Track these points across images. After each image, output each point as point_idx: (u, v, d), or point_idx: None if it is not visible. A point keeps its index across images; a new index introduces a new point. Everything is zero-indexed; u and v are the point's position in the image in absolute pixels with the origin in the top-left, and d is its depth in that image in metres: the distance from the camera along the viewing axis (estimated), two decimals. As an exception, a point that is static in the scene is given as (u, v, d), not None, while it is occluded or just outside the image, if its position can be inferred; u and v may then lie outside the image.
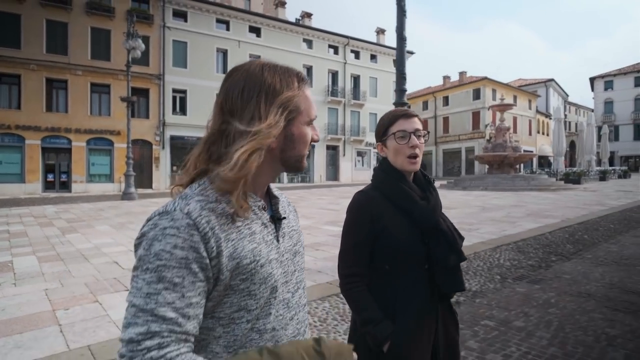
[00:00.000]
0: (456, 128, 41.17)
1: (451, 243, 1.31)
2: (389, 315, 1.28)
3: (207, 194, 0.77)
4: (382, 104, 35.62)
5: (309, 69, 31.21)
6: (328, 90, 32.32)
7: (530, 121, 45.28)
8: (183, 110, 25.78)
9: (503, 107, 23.40)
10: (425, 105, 45.89)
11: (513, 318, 3.50)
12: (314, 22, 33.42)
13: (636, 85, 54.80)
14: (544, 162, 47.03)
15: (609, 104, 57.25)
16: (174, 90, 25.40)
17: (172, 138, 25.19)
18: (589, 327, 3.31)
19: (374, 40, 36.27)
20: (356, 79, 34.45)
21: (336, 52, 33.16)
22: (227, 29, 27.44)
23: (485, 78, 38.95)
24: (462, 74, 42.42)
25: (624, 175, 32.43)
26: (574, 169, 29.19)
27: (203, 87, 25.87)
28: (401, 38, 5.53)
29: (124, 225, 9.48)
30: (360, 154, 34.81)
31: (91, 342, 3.13)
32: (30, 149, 21.54)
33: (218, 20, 27.10)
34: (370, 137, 35.11)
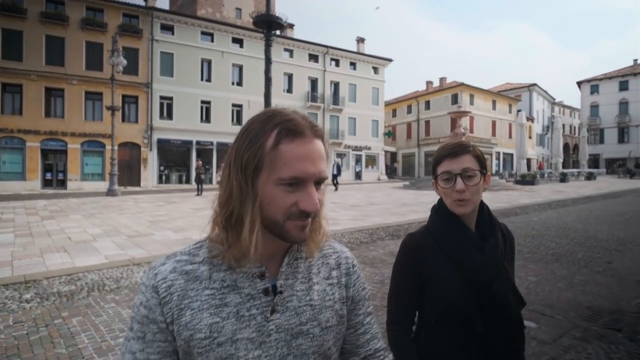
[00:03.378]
0: (436, 131, 43.15)
1: (503, 308, 1.11)
2: None
3: (197, 253, 0.75)
4: (360, 108, 37.86)
5: (290, 77, 33.55)
6: (308, 96, 34.62)
7: (510, 124, 47.06)
8: (170, 116, 28.18)
9: (459, 114, 25.47)
10: (409, 109, 47.95)
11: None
12: (297, 32, 35.77)
13: (621, 90, 56.25)
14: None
15: (594, 107, 58.75)
16: (161, 97, 27.81)
17: (159, 141, 27.63)
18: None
19: (355, 48, 38.46)
20: (336, 85, 36.66)
21: (316, 60, 35.39)
22: (212, 40, 29.80)
23: (462, 84, 40.95)
24: (442, 79, 44.50)
25: (589, 177, 34.22)
26: (536, 170, 31.09)
27: (188, 94, 28.32)
28: (268, 78, 7.77)
29: (94, 215, 11.80)
30: (339, 155, 36.98)
31: (26, 273, 5.43)
32: (31, 151, 24.10)
33: (203, 33, 29.47)
34: (349, 140, 37.28)
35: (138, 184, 26.75)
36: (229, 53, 30.30)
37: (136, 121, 27.11)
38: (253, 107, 30.77)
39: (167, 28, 28.21)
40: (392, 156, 49.07)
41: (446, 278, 1.14)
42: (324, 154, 0.72)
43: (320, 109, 35.51)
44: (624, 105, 55.31)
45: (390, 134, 43.63)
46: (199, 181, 19.66)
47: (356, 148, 37.89)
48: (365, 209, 13.18)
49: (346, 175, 36.65)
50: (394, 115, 50.06)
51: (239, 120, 30.65)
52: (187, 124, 28.10)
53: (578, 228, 8.92)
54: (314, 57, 35.35)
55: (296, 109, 0.74)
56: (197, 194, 19.01)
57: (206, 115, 29.36)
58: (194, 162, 28.56)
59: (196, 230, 8.76)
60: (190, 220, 10.51)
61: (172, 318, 0.71)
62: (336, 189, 22.52)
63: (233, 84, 30.62)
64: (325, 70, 35.77)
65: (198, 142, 28.69)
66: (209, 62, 29.61)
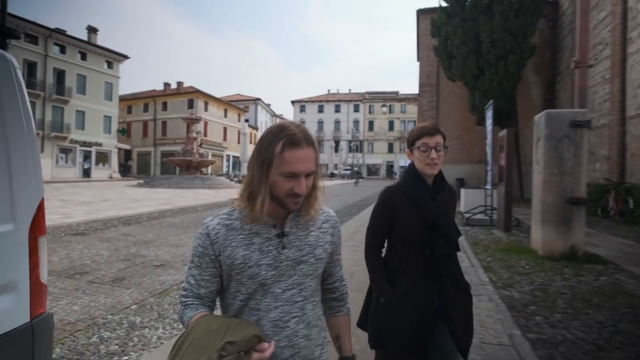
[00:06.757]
0: (173, 132, 45.17)
1: (447, 237, 1.69)
2: (391, 280, 1.74)
3: (232, 213, 1.16)
4: (91, 102, 35.81)
5: (-3, 55, 28.52)
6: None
7: (239, 131, 54.08)
8: None
9: (192, 120, 28.72)
10: (146, 107, 47.97)
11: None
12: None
13: (319, 112, 73.47)
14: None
15: (303, 123, 73.92)
16: None
17: None
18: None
19: (85, 37, 36.00)
20: (61, 74, 33.43)
21: (35, 42, 31.29)
22: None
23: (198, 91, 44.67)
24: (179, 83, 46.97)
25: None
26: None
27: None
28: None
29: None
30: (63, 150, 33.85)
31: None
32: None
33: None
34: (77, 135, 34.66)
35: None
36: None
37: None
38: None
39: None
40: (127, 154, 47.72)
41: (408, 216, 1.70)
42: (313, 157, 1.10)
43: (39, 98, 31.56)
44: (320, 123, 72.44)
45: (125, 132, 42.66)
46: None
47: (85, 144, 35.45)
48: (98, 205, 14.37)
49: (72, 173, 33.91)
50: (130, 111, 48.77)
51: None
52: None
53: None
54: (31, 38, 31.10)
55: (299, 124, 1.12)
56: None
57: None
58: None
59: None
60: None
61: (219, 252, 1.12)
62: None
63: None
64: (47, 55, 32.05)
65: None
66: None
